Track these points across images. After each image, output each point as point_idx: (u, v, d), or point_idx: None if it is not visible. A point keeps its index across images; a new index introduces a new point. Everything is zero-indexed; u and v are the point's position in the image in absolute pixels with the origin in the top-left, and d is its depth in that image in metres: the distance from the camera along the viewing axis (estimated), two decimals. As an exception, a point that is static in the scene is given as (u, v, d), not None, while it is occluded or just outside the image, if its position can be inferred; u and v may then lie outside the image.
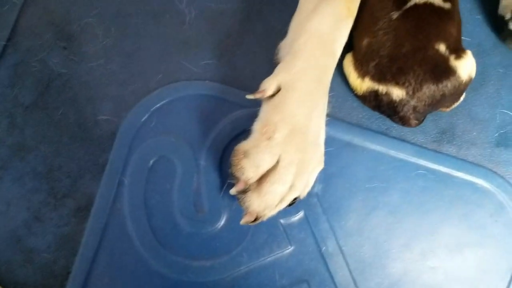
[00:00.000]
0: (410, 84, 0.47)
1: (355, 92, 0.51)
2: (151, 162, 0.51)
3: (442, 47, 0.48)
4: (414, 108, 0.48)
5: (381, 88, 0.49)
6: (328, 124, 0.50)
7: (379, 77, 0.48)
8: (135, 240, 0.50)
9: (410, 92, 0.47)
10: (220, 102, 0.52)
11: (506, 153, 0.54)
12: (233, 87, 0.52)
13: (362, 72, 0.49)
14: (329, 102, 0.50)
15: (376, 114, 0.54)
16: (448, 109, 0.53)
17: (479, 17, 0.57)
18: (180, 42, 0.53)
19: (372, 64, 0.49)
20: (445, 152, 0.54)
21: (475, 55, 0.50)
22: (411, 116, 0.49)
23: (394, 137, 0.53)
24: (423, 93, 0.47)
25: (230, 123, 0.51)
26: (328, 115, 0.50)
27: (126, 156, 0.50)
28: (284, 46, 0.49)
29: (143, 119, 0.51)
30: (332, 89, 0.51)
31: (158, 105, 0.52)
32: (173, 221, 0.50)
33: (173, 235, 0.50)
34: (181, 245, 0.50)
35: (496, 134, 0.54)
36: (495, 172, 0.54)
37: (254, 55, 0.53)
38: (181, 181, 0.51)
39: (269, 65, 0.48)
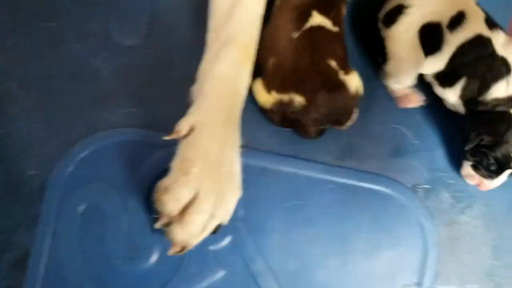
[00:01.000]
0: (308, 92, 0.55)
1: (264, 108, 0.58)
2: (81, 209, 0.54)
3: (333, 63, 0.56)
4: (313, 116, 0.55)
5: (285, 98, 0.55)
6: (243, 154, 0.55)
7: (283, 88, 0.56)
8: (73, 286, 0.52)
9: (309, 99, 0.55)
10: (141, 146, 0.56)
11: (401, 162, 0.62)
12: (151, 131, 0.57)
13: (269, 87, 0.56)
14: (243, 135, 0.56)
15: (286, 140, 0.60)
16: (344, 127, 0.60)
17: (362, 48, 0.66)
18: (98, 96, 0.58)
19: (278, 78, 0.56)
20: (348, 166, 0.61)
21: (364, 81, 0.58)
22: (311, 124, 0.56)
23: (303, 159, 0.60)
24: (319, 101, 0.55)
25: (152, 164, 0.56)
26: (242, 146, 0.56)
27: (56, 206, 0.53)
28: (195, 90, 0.55)
29: (69, 170, 0.55)
30: (245, 122, 0.57)
31: (82, 155, 0.55)
32: (108, 262, 0.53)
33: (110, 276, 0.53)
34: (118, 285, 0.53)
35: (390, 147, 0.63)
36: (393, 179, 0.61)
37: (169, 100, 0.58)
38: (112, 223, 0.54)
39: (184, 108, 0.53)
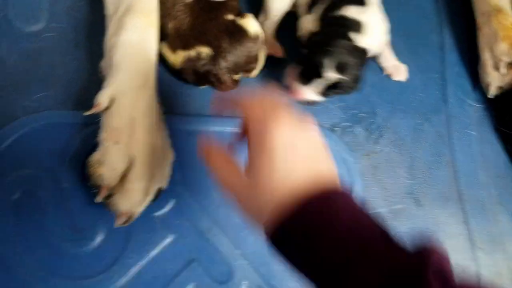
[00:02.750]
0: (212, 42, 0.58)
1: (176, 70, 0.60)
2: (14, 198, 0.52)
3: (230, 16, 0.61)
4: (223, 64, 0.59)
5: (192, 53, 0.58)
6: (168, 120, 0.57)
7: (187, 44, 0.58)
8: (24, 275, 0.51)
9: (214, 48, 0.58)
10: (65, 127, 0.55)
11: (317, 106, 0.68)
12: (72, 111, 0.56)
13: (174, 47, 0.59)
14: (162, 103, 0.58)
15: (207, 102, 0.63)
16: (253, 74, 0.64)
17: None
18: (8, 84, 0.56)
19: (180, 38, 0.59)
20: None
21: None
22: (224, 72, 0.59)
23: (228, 117, 0.63)
24: (224, 48, 0.58)
25: (81, 142, 0.55)
26: (165, 113, 0.57)
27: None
28: (105, 63, 0.55)
29: (-5, 159, 0.52)
30: (163, 90, 0.59)
31: (6, 144, 0.53)
32: (55, 248, 0.52)
33: (59, 261, 0.52)
34: (69, 268, 0.52)
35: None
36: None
37: (83, 78, 0.58)
38: (50, 208, 0.53)
39: (97, 83, 0.54)
